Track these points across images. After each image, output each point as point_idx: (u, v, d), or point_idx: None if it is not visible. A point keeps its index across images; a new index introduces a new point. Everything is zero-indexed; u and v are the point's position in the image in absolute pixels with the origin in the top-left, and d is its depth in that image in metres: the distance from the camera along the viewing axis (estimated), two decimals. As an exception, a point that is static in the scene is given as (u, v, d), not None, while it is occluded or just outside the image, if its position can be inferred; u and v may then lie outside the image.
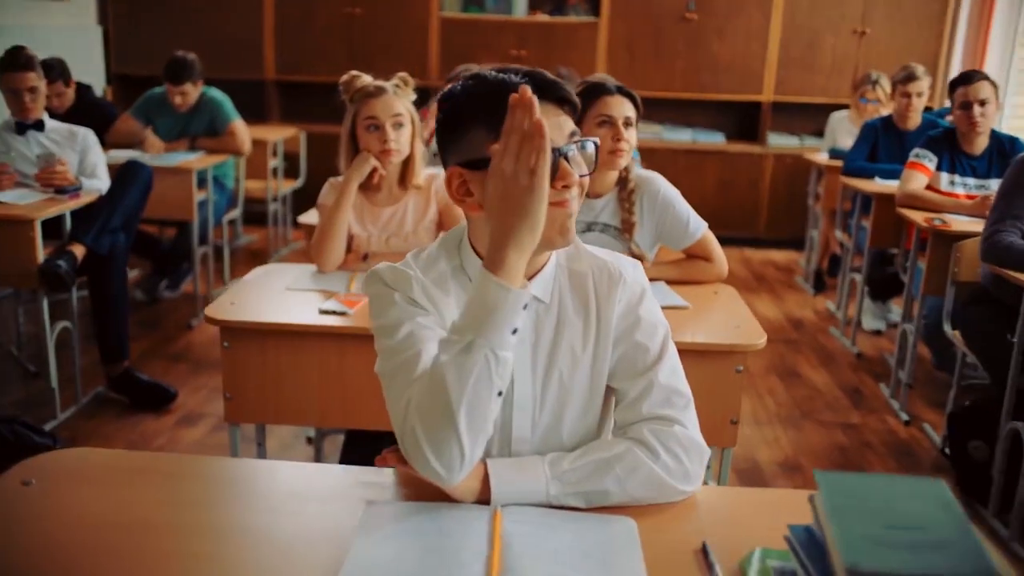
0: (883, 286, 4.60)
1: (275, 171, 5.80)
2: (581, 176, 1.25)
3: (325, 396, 2.20)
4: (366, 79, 2.55)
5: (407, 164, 2.60)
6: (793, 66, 6.46)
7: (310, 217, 3.06)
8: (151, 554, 1.12)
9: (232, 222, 5.36)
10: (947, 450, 3.19)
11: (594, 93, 2.43)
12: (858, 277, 4.50)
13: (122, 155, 4.20)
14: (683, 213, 2.50)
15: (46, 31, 5.66)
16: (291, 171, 6.12)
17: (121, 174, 3.63)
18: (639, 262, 1.43)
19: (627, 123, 2.42)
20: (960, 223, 3.47)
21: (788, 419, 3.60)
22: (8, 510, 1.21)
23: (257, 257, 5.57)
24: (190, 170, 4.36)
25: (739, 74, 6.49)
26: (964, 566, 0.90)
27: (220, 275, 4.99)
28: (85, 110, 4.47)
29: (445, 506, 1.23)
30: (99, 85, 6.37)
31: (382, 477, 1.31)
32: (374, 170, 2.54)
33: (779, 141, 6.58)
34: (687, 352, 2.05)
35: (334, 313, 2.17)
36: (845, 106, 5.63)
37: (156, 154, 4.52)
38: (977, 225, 3.20)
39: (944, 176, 3.80)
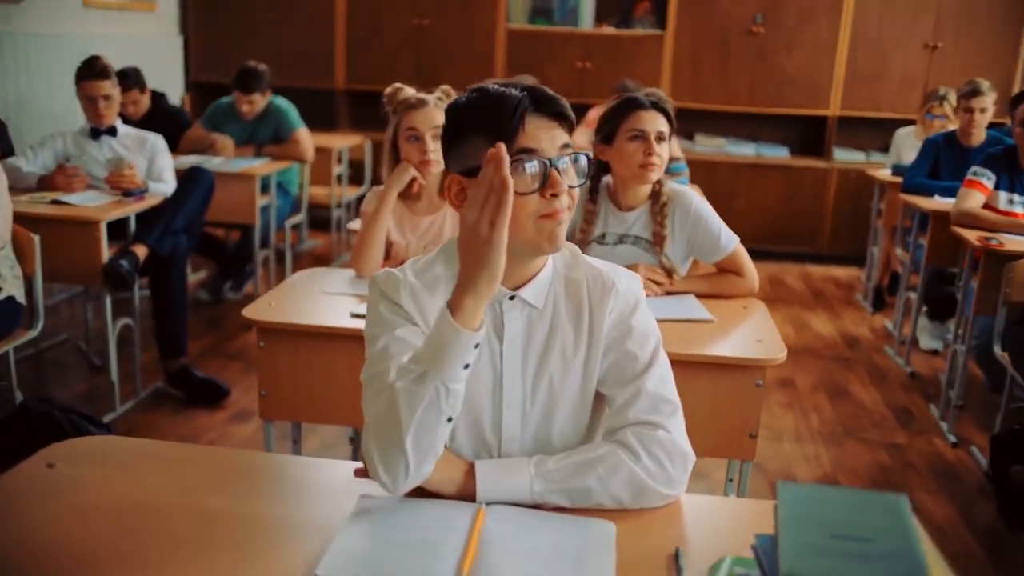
0: (942, 305, 4.50)
1: (339, 178, 5.96)
2: (571, 187, 1.30)
3: (355, 397, 2.25)
4: (409, 91, 2.62)
5: None
6: (861, 80, 6.37)
7: (357, 224, 3.14)
8: (160, 536, 1.20)
9: (296, 227, 5.51)
10: (991, 473, 3.13)
11: (627, 107, 2.46)
12: (915, 295, 4.42)
13: (188, 160, 4.38)
14: (715, 227, 2.52)
15: (132, 41, 5.93)
16: (356, 178, 6.27)
17: (185, 179, 3.79)
18: (637, 274, 1.47)
19: (659, 137, 2.44)
20: (1015, 243, 3.39)
21: (831, 436, 3.56)
22: (30, 488, 1.31)
23: (320, 261, 5.70)
24: (253, 176, 4.52)
25: (805, 88, 6.42)
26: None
27: (281, 277, 5.09)
28: (159, 117, 4.70)
29: (434, 502, 1.28)
30: (178, 93, 6.63)
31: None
32: (413, 179, 2.61)
33: (845, 156, 6.48)
34: (706, 365, 2.10)
35: (364, 317, 2.23)
36: (913, 121, 5.53)
37: (228, 157, 4.70)
38: (1032, 245, 3.14)
39: (1003, 195, 3.72)
